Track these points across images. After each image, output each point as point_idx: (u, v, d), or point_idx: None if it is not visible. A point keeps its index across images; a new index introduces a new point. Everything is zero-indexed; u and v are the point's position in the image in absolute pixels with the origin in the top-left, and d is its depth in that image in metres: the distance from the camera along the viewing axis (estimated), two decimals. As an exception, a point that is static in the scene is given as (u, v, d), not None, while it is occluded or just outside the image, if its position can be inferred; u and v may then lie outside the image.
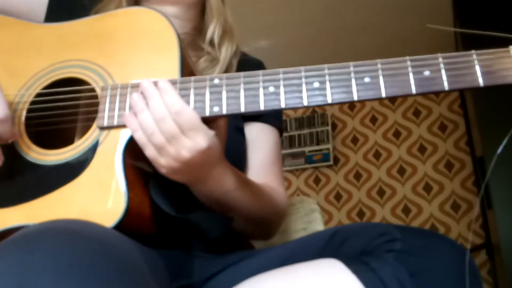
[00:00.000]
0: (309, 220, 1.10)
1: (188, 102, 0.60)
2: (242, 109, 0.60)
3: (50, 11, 0.87)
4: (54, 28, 0.74)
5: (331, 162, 3.48)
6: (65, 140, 0.68)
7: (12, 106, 0.69)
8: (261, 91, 0.60)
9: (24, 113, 0.69)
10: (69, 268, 0.40)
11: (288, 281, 0.56)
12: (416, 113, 3.44)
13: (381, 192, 3.36)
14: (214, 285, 0.69)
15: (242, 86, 0.60)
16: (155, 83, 0.61)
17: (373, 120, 3.55)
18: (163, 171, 0.61)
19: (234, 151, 0.79)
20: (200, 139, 0.59)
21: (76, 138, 0.70)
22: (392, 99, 3.41)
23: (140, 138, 0.60)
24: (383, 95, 0.57)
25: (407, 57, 0.58)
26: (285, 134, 3.49)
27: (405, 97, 0.67)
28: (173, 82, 0.61)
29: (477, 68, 0.56)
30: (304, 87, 0.59)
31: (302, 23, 2.89)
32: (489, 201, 1.99)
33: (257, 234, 0.83)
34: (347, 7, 2.75)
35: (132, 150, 0.63)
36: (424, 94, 0.57)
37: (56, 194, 0.62)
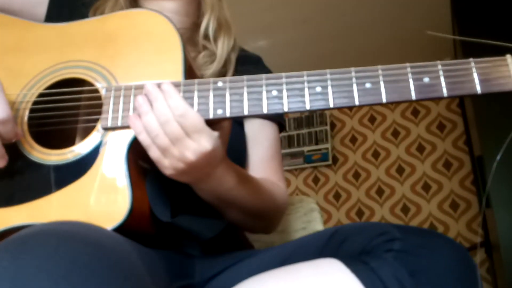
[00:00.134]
0: (309, 219, 1.11)
1: (192, 105, 0.60)
2: (246, 112, 0.60)
3: (50, 8, 0.87)
4: (56, 28, 0.74)
5: (330, 162, 3.49)
6: (67, 140, 0.68)
7: (14, 106, 0.69)
8: (264, 94, 0.60)
9: (26, 113, 0.69)
10: (63, 272, 0.39)
11: (288, 281, 0.56)
12: (415, 112, 3.44)
13: (380, 192, 3.36)
14: (214, 285, 0.70)
15: (245, 89, 0.61)
16: (159, 86, 0.61)
17: (372, 119, 3.55)
18: (167, 172, 0.61)
19: (235, 147, 0.79)
20: (204, 141, 0.59)
21: (78, 138, 0.70)
22: (391, 98, 3.41)
23: (145, 140, 0.60)
24: (384, 100, 0.57)
25: (407, 64, 0.58)
26: (284, 134, 3.49)
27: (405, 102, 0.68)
28: (177, 85, 0.62)
29: (475, 75, 0.56)
30: (306, 91, 0.59)
31: (300, 23, 2.88)
32: (487, 200, 2.00)
33: (258, 228, 0.84)
34: (345, 7, 2.75)
35: (136, 150, 0.63)
36: (423, 100, 0.58)
37: (59, 194, 0.62)
